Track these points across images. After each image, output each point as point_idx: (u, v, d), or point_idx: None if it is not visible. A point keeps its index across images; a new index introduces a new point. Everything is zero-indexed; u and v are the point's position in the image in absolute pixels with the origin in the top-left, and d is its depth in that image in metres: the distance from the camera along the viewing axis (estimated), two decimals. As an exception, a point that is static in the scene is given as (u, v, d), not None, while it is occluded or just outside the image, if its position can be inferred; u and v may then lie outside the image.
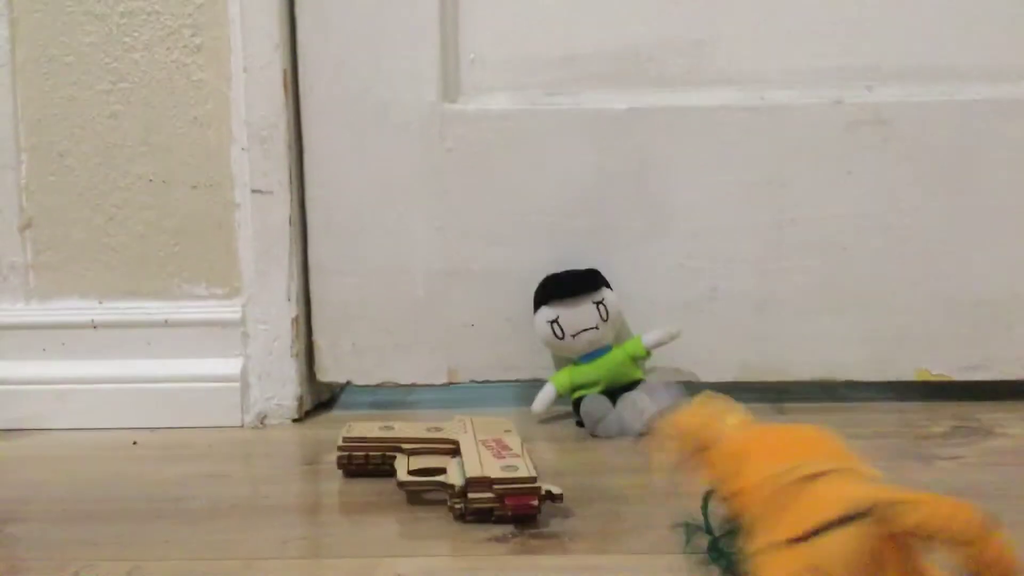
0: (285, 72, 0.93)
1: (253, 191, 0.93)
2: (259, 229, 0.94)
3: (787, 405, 0.97)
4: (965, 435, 0.84)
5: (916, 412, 0.92)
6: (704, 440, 0.51)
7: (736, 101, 0.94)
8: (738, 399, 0.98)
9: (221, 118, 0.94)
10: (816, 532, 0.41)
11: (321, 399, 1.02)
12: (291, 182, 0.94)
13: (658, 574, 0.54)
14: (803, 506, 0.43)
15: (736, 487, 0.48)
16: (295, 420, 0.95)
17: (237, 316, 0.95)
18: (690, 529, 0.50)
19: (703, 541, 0.52)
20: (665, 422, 0.50)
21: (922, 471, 0.74)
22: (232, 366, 0.95)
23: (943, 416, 0.91)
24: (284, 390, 0.95)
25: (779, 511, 0.43)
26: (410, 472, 0.70)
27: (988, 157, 0.93)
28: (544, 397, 0.91)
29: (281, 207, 0.94)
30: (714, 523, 0.51)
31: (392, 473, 0.71)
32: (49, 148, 0.96)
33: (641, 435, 0.54)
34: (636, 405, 0.86)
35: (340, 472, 0.76)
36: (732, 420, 0.58)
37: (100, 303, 0.97)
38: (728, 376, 0.96)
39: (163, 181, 0.95)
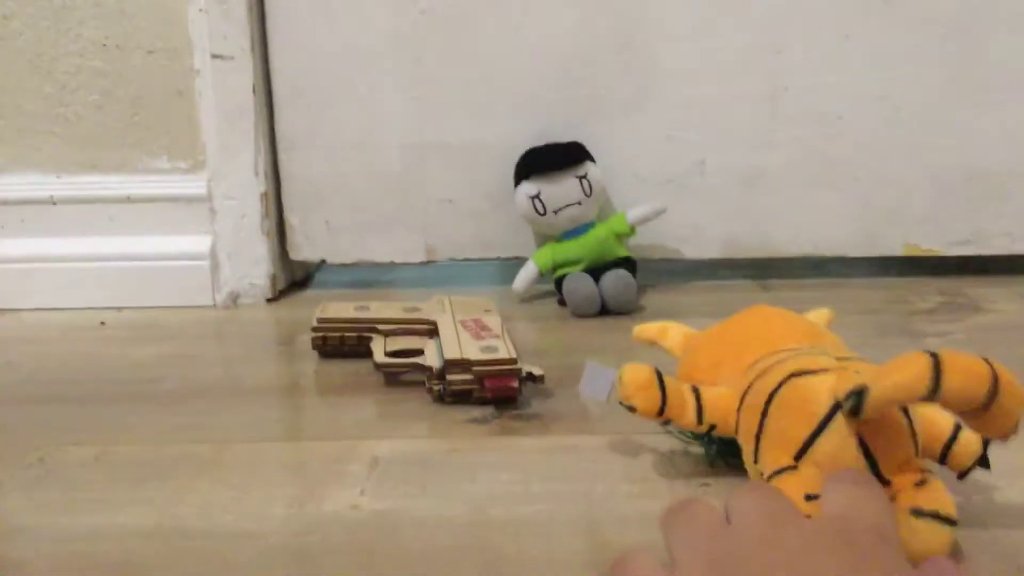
0: (243, -76, 0.86)
1: (213, 56, 0.87)
2: (221, 98, 0.88)
3: (772, 282, 0.95)
4: (953, 311, 0.83)
5: (903, 288, 0.91)
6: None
7: (731, -42, 0.88)
8: (722, 276, 0.97)
9: (176, -24, 0.87)
10: (809, 442, 0.41)
11: (296, 278, 1.00)
12: (253, 48, 0.88)
13: (640, 454, 0.53)
14: (788, 417, 0.42)
15: (715, 402, 0.48)
16: (269, 300, 0.93)
17: (203, 191, 0.91)
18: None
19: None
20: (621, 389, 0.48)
21: (909, 347, 0.72)
22: (200, 244, 0.91)
23: (931, 292, 0.89)
24: (256, 269, 0.92)
25: (768, 424, 0.43)
26: (387, 354, 0.68)
27: (993, 23, 0.88)
28: (525, 276, 0.89)
29: (244, 74, 0.88)
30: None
31: (368, 354, 0.69)
32: (-8, 10, 0.89)
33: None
34: (619, 283, 0.84)
35: (315, 353, 0.74)
36: (674, 333, 0.57)
37: (58, 178, 0.92)
38: (712, 253, 0.94)
39: (117, 46, 0.89)
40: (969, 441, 0.43)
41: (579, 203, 0.87)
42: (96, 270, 0.91)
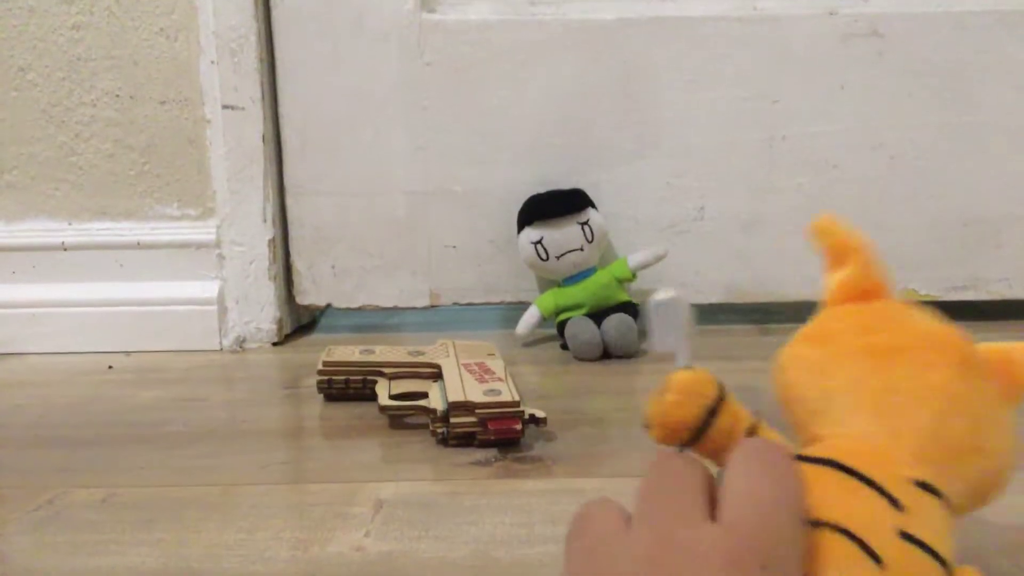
0: (254, -20, 0.89)
1: (224, 107, 0.90)
2: (232, 147, 0.91)
3: (772, 326, 0.96)
4: (951, 355, 0.84)
5: (902, 333, 0.92)
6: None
7: (728, 11, 0.90)
8: (722, 320, 0.98)
9: (189, 29, 0.90)
10: None
11: (301, 322, 1.01)
12: (264, 98, 0.90)
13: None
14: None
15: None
16: (275, 344, 0.94)
17: (212, 238, 0.93)
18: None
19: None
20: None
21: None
22: (208, 289, 0.93)
23: (929, 336, 0.90)
24: (262, 313, 0.93)
25: None
26: (392, 397, 0.68)
27: (985, 72, 0.90)
28: (528, 320, 0.90)
29: (254, 124, 0.90)
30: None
31: (373, 397, 0.69)
32: (9, 62, 0.91)
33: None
34: (621, 327, 0.85)
35: (321, 396, 0.75)
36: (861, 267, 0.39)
37: (70, 224, 0.94)
38: (714, 297, 0.95)
39: (130, 96, 0.91)
40: None
41: (581, 249, 0.88)
42: (105, 315, 0.93)
